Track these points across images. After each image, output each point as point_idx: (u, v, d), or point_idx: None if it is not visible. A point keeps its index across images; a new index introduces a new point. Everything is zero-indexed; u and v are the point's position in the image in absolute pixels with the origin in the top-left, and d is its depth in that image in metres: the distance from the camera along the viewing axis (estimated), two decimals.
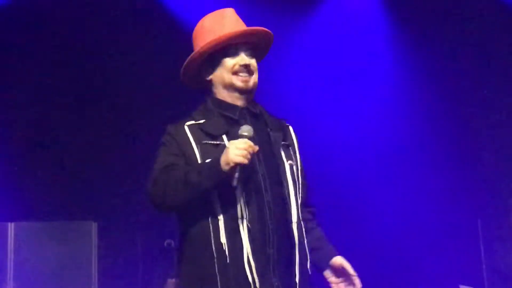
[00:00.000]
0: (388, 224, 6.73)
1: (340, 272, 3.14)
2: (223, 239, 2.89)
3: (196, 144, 3.01)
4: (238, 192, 2.92)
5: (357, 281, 3.11)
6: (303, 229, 3.06)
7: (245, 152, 2.86)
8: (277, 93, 6.36)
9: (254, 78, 3.13)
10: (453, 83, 6.90)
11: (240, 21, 3.20)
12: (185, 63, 3.17)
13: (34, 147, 6.87)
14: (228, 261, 2.89)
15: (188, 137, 3.03)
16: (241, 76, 3.11)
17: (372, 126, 6.97)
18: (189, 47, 3.23)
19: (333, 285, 3.15)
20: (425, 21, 6.89)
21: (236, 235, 2.90)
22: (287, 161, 3.08)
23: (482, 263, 6.52)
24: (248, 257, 2.88)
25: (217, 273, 2.88)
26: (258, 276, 2.89)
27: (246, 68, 3.12)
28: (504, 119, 6.77)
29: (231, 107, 3.11)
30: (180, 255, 3.04)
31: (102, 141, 6.89)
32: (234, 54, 3.13)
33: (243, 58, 3.12)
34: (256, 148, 2.92)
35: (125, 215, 6.57)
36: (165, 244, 5.81)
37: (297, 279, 2.96)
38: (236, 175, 2.86)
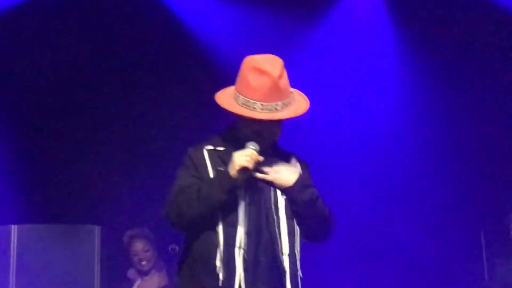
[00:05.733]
0: (390, 235, 6.73)
1: None
2: (218, 263, 3.16)
3: (212, 169, 3.24)
4: (242, 223, 3.19)
5: None
6: (297, 261, 3.26)
7: (249, 158, 3.14)
8: None
9: (273, 139, 3.33)
10: (460, 93, 6.91)
11: (280, 90, 3.20)
12: (217, 100, 3.30)
13: (38, 150, 6.86)
14: (220, 285, 3.15)
15: (205, 161, 3.26)
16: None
17: (375, 136, 6.97)
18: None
19: None
20: (432, 27, 6.90)
21: (231, 262, 3.16)
22: (282, 195, 3.28)
23: (484, 274, 6.51)
24: (239, 284, 3.15)
25: None
26: None
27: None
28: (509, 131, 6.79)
29: None
30: (180, 269, 3.33)
31: (107, 145, 6.89)
32: (258, 123, 3.23)
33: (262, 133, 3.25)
34: (261, 158, 3.18)
35: (128, 219, 6.56)
36: (169, 249, 5.81)
37: None
38: (239, 176, 3.14)
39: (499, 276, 5.79)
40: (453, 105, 6.92)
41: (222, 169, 3.22)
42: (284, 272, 3.20)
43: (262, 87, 3.19)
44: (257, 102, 3.18)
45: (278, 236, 3.22)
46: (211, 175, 3.24)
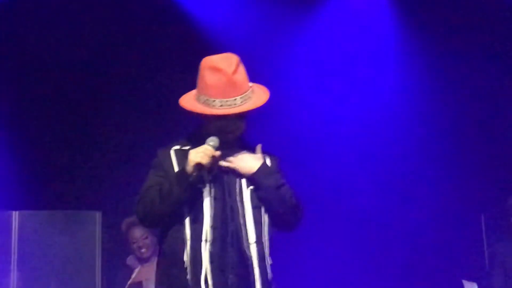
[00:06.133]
0: (391, 219, 6.75)
1: None
2: (186, 257, 3.29)
3: (178, 167, 3.35)
4: (207, 217, 3.32)
5: None
6: (266, 249, 3.38)
7: (202, 154, 3.27)
8: (279, 93, 6.37)
9: (238, 133, 3.43)
10: (459, 82, 6.91)
11: (236, 85, 3.32)
12: (180, 103, 3.41)
13: (39, 137, 6.88)
14: (188, 277, 3.29)
15: (172, 161, 3.40)
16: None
17: (375, 123, 6.99)
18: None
19: None
20: (434, 20, 6.87)
21: (198, 255, 3.29)
22: (247, 187, 3.40)
23: (485, 258, 6.53)
24: (206, 276, 3.27)
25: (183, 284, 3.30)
26: None
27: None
28: (509, 115, 6.79)
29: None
30: (157, 264, 3.48)
31: (108, 131, 6.91)
32: (221, 118, 3.36)
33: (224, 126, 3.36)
34: (217, 153, 3.30)
35: (129, 205, 6.52)
36: None
37: None
38: (195, 172, 3.26)
39: (499, 260, 5.80)
40: (454, 94, 6.92)
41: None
42: (251, 260, 3.32)
43: (219, 84, 3.31)
44: (216, 99, 3.31)
45: (244, 226, 3.34)
46: None
